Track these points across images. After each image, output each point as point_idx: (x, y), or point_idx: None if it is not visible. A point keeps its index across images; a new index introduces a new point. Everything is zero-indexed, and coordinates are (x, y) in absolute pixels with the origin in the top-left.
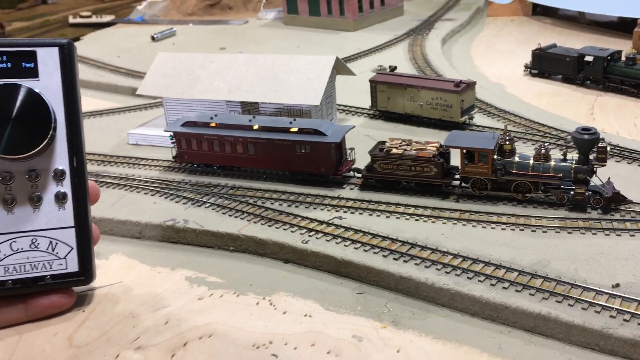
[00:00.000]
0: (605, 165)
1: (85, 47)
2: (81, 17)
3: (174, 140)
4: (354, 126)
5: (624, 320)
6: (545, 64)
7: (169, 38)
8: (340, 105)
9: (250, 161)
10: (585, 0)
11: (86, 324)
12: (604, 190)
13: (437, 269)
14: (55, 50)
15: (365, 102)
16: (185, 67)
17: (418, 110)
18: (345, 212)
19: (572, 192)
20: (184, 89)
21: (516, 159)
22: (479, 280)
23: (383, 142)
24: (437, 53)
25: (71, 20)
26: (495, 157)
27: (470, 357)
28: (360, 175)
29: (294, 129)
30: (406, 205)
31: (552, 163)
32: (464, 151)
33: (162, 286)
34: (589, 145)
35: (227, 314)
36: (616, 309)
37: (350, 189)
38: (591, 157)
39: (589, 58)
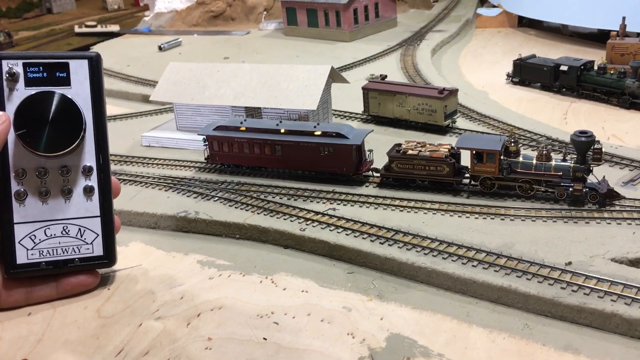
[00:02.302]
0: (600, 165)
1: None
2: (87, 26)
3: (207, 143)
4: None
5: (572, 290)
6: (525, 73)
7: (176, 48)
8: (335, 110)
9: (277, 162)
10: (568, 13)
11: (112, 299)
12: (600, 187)
13: (416, 251)
14: (85, 62)
15: (359, 107)
16: (194, 75)
17: (406, 114)
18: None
19: (570, 189)
20: (193, 96)
21: (520, 159)
22: (452, 260)
23: (399, 144)
24: (427, 62)
25: (77, 29)
26: (501, 157)
27: (443, 322)
28: (378, 174)
29: (318, 132)
30: (392, 198)
31: (553, 163)
32: (474, 152)
33: (177, 268)
34: (586, 146)
35: (235, 290)
36: (566, 281)
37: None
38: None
39: (564, 67)
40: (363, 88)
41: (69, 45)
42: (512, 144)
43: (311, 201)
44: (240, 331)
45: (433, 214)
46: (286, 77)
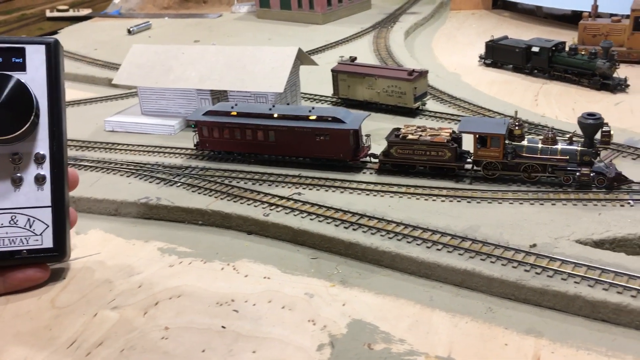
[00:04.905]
0: (610, 148)
1: (62, 40)
2: (58, 10)
3: (196, 129)
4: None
5: (536, 273)
6: (497, 55)
7: (145, 31)
8: (305, 93)
9: (271, 148)
10: None
11: (67, 288)
12: (607, 171)
13: (381, 235)
14: (42, 48)
15: (329, 90)
16: (158, 58)
17: (375, 97)
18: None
19: (578, 174)
20: (157, 79)
21: (525, 142)
22: (416, 244)
23: (398, 129)
24: (399, 45)
25: (48, 14)
26: (506, 141)
27: (406, 307)
28: (376, 160)
29: (313, 117)
30: (359, 181)
31: (559, 146)
32: (477, 136)
33: (137, 256)
34: (594, 129)
35: (195, 277)
36: (530, 264)
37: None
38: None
39: (535, 49)
40: (332, 70)
41: (41, 30)
42: (517, 127)
43: (276, 186)
44: (198, 320)
45: (399, 197)
46: (253, 60)
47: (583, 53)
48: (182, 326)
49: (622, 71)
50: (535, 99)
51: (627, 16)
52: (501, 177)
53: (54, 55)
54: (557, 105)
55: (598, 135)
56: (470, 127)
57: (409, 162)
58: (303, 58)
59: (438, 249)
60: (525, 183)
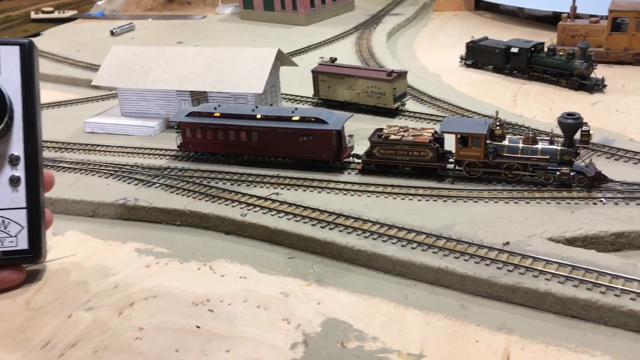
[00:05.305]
0: (589, 148)
1: (45, 41)
2: (43, 12)
3: (179, 130)
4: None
5: (508, 270)
6: (477, 56)
7: (128, 33)
8: (286, 94)
9: (254, 149)
10: None
11: (42, 290)
12: (587, 170)
13: (357, 234)
14: (16, 49)
15: (310, 91)
16: (138, 59)
17: (355, 97)
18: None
19: (558, 173)
20: (137, 80)
21: (506, 142)
22: (392, 243)
23: (381, 129)
24: (382, 46)
25: (33, 15)
26: (487, 141)
27: (380, 306)
28: (359, 160)
29: (296, 118)
30: (336, 181)
31: (540, 146)
32: (459, 136)
33: (113, 257)
34: (574, 129)
35: (171, 278)
36: (503, 261)
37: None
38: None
39: (514, 49)
40: (312, 71)
41: (25, 32)
42: (498, 127)
43: (255, 186)
44: (173, 320)
45: (377, 196)
46: (232, 61)
47: (561, 54)
48: (157, 326)
49: (599, 71)
50: (514, 99)
51: (606, 17)
52: (483, 177)
53: (28, 57)
54: (535, 106)
55: (578, 135)
56: (451, 127)
57: (391, 162)
58: (283, 59)
59: (413, 248)
60: (504, 182)
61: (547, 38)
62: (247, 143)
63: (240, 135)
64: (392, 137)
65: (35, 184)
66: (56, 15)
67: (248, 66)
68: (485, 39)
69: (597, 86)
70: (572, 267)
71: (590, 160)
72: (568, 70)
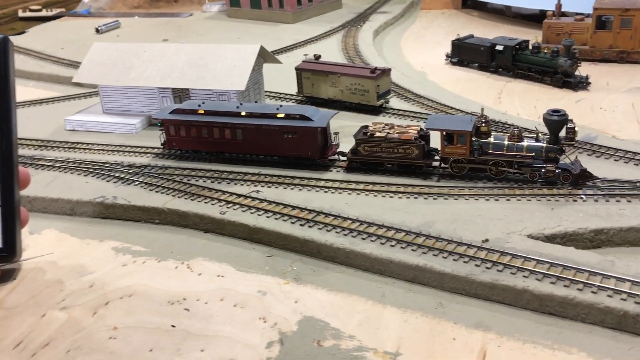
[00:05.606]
0: (573, 145)
1: (30, 39)
2: (31, 10)
3: (163, 128)
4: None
5: (486, 268)
6: (463, 54)
7: (114, 30)
8: (270, 91)
9: (239, 147)
10: None
11: (17, 289)
12: (572, 167)
13: (336, 232)
14: None
15: (294, 88)
16: (120, 56)
17: (339, 95)
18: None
19: (543, 170)
20: (118, 77)
21: (492, 139)
22: (371, 240)
23: (366, 126)
24: (368, 44)
25: (21, 14)
26: (472, 138)
27: (358, 304)
28: (344, 158)
29: (281, 115)
30: (317, 179)
31: (525, 143)
32: (444, 133)
33: (90, 256)
34: (559, 125)
35: (148, 277)
36: (481, 259)
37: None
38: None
39: (499, 47)
40: (296, 68)
41: (12, 30)
42: (483, 124)
43: (235, 184)
44: (148, 319)
45: (357, 194)
46: (214, 57)
47: (546, 51)
48: (131, 326)
49: (584, 69)
50: (499, 96)
51: (591, 15)
52: (468, 174)
53: (3, 53)
54: (519, 103)
55: (563, 132)
56: (437, 124)
57: (377, 159)
58: (266, 56)
59: (392, 245)
60: (486, 180)
61: (534, 36)
62: (231, 140)
63: (224, 132)
64: (378, 134)
65: (10, 182)
66: (43, 13)
67: (230, 63)
68: (471, 36)
69: (581, 84)
70: (550, 264)
71: (576, 158)
72: (552, 67)
